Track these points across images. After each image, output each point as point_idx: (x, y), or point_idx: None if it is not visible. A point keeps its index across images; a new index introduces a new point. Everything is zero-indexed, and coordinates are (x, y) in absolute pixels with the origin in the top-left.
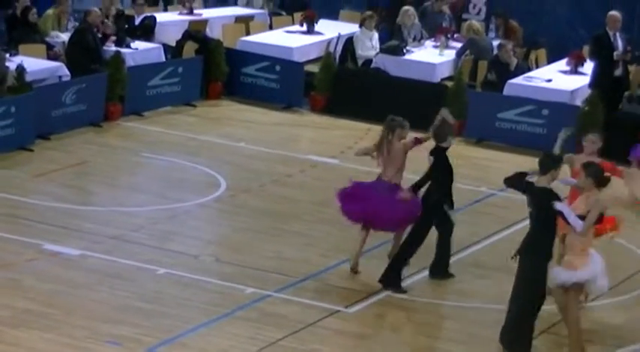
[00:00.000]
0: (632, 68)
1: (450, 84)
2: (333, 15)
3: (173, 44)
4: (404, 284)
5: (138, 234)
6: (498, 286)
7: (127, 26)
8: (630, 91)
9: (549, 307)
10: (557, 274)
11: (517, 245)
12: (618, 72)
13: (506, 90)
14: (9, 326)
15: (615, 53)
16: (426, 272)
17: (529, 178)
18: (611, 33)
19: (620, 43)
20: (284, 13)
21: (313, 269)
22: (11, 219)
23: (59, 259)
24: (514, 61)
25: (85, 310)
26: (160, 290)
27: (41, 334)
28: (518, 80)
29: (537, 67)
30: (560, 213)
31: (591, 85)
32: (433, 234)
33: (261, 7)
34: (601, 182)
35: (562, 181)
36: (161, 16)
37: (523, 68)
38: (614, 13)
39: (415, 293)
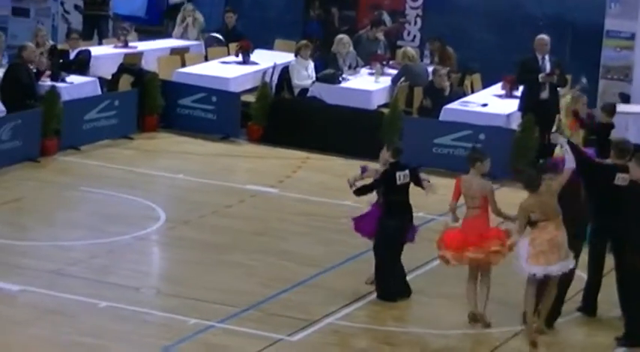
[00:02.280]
0: (563, 91)
1: (386, 111)
2: (268, 45)
3: (109, 77)
4: (346, 310)
5: (77, 268)
6: (437, 311)
7: (61, 60)
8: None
9: (491, 330)
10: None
11: (457, 270)
12: (544, 94)
13: (443, 116)
14: None
15: (540, 75)
16: (368, 299)
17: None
18: (539, 56)
19: (547, 66)
20: (221, 37)
21: (255, 299)
22: None
23: None
24: (448, 87)
25: (26, 347)
26: (101, 324)
27: None
28: (454, 105)
29: (472, 92)
30: None
31: (520, 108)
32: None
33: (196, 39)
34: (529, 186)
35: None
36: (96, 50)
37: (458, 93)
38: (542, 36)
39: (358, 321)
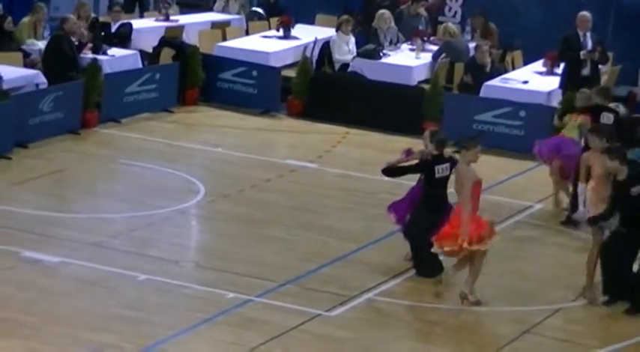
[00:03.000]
0: (605, 68)
1: (426, 87)
2: (310, 19)
3: (150, 51)
4: (385, 286)
5: (117, 241)
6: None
7: (103, 33)
8: None
9: (529, 308)
10: None
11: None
12: (586, 71)
13: (483, 92)
14: None
15: (581, 52)
16: (407, 275)
17: None
18: (581, 33)
19: (589, 43)
20: (262, 11)
21: (293, 274)
22: None
23: (38, 267)
24: (489, 63)
25: (65, 318)
26: (140, 296)
27: (22, 342)
28: (495, 82)
29: (514, 68)
30: None
31: (561, 85)
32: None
33: (238, 13)
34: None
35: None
36: (137, 23)
37: (499, 70)
38: (583, 13)
39: (396, 297)
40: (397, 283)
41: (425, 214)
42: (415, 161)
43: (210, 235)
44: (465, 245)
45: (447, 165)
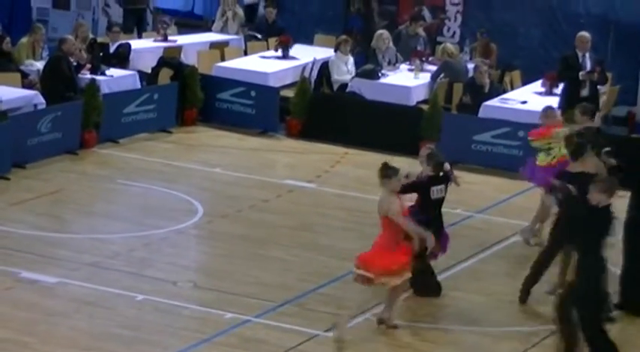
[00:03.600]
0: (605, 88)
1: (425, 107)
2: (308, 40)
3: (148, 71)
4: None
5: (115, 261)
6: (475, 308)
7: (101, 54)
8: (605, 112)
9: (528, 328)
10: None
11: (495, 267)
12: (585, 92)
13: (482, 113)
14: None
15: (581, 73)
16: (405, 295)
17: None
18: (580, 53)
19: (588, 64)
20: (259, 36)
21: (292, 294)
22: None
23: (37, 287)
24: (488, 83)
25: (64, 338)
26: (138, 316)
27: None
28: (494, 102)
29: (512, 88)
30: None
31: (560, 105)
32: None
33: (236, 33)
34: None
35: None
36: (136, 43)
37: (498, 90)
38: (583, 33)
39: (395, 317)
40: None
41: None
42: (411, 180)
43: (208, 255)
44: (371, 276)
45: (443, 186)
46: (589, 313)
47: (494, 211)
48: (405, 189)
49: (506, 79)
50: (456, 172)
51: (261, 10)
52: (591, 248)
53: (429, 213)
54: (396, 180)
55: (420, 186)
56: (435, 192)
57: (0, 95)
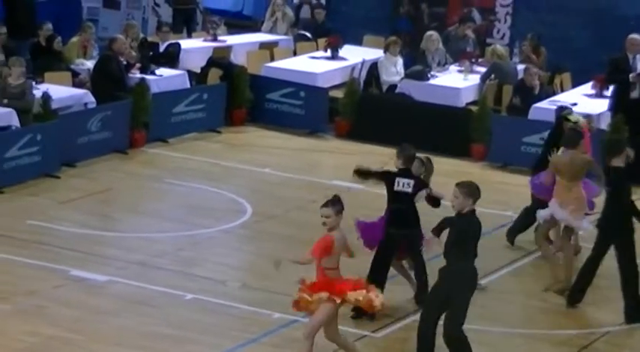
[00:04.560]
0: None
1: (474, 108)
2: (357, 40)
3: (198, 71)
4: None
5: (163, 260)
6: (523, 311)
7: (151, 53)
8: None
9: (576, 331)
10: None
11: (542, 269)
12: (635, 94)
13: (532, 115)
14: None
15: (631, 75)
16: None
17: None
18: (630, 56)
19: (638, 66)
20: (309, 35)
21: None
22: (38, 245)
23: (85, 285)
24: (538, 85)
25: (111, 337)
26: (186, 316)
27: None
28: (544, 104)
29: (562, 91)
30: None
31: (611, 108)
32: None
33: (286, 33)
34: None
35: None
36: (185, 43)
37: (548, 92)
38: (633, 36)
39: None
40: None
41: (387, 229)
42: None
43: (256, 255)
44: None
45: (411, 181)
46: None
47: None
48: (374, 175)
49: (556, 81)
50: (505, 174)
51: (304, 11)
52: (461, 254)
53: (392, 204)
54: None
55: (386, 174)
56: (401, 183)
57: (51, 94)
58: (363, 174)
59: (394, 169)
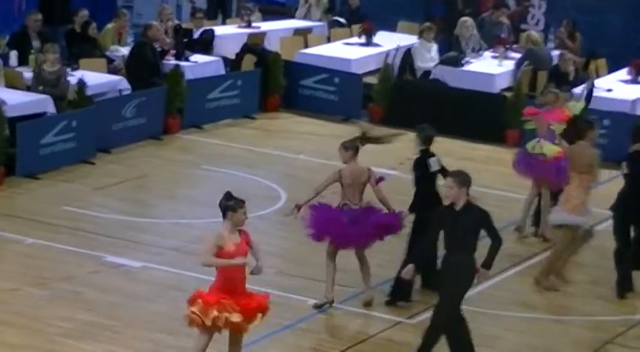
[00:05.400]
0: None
1: (509, 94)
2: (391, 26)
3: (232, 57)
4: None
5: (198, 246)
6: (560, 297)
7: (185, 40)
8: None
9: (613, 318)
10: None
11: (579, 257)
12: None
13: None
14: (72, 338)
15: None
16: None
17: None
18: None
19: None
20: (344, 20)
21: (375, 281)
22: (73, 231)
23: (120, 271)
24: (573, 71)
25: (147, 322)
26: None
27: (103, 346)
28: (578, 90)
29: (598, 76)
30: None
31: None
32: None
33: (320, 20)
34: None
35: None
36: (220, 30)
37: (583, 78)
38: None
39: (477, 305)
40: (479, 291)
41: (423, 214)
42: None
43: (291, 242)
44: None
45: (436, 158)
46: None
47: None
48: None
49: (592, 66)
50: None
51: None
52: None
53: (428, 186)
54: (242, 213)
55: (419, 162)
56: (432, 163)
57: (86, 80)
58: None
59: (415, 156)
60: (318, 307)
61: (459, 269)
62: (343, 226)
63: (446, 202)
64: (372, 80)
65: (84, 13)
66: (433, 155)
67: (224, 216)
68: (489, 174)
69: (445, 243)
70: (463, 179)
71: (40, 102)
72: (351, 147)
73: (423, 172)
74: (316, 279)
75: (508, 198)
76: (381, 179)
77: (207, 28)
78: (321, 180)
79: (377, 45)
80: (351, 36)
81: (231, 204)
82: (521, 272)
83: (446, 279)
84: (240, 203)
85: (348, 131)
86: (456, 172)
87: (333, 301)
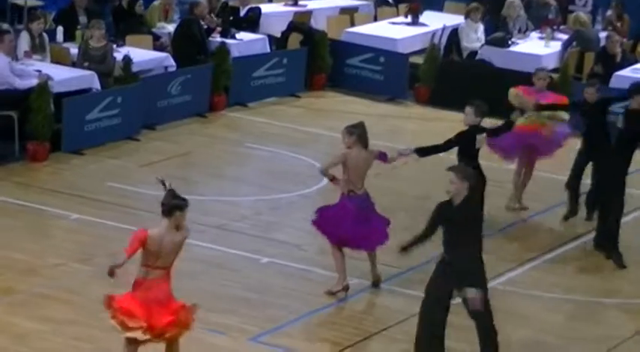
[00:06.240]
0: None
1: (555, 76)
2: (438, 6)
3: (278, 35)
4: (510, 274)
5: (241, 224)
6: (601, 281)
7: (232, 18)
8: None
9: None
10: None
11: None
12: None
13: (613, 83)
14: None
15: None
16: (533, 264)
17: None
18: None
19: None
20: (390, 0)
21: (418, 261)
22: (119, 207)
23: None
24: (620, 53)
25: (190, 299)
26: (264, 279)
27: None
28: (626, 72)
29: None
30: None
31: None
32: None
33: None
34: None
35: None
36: (266, 8)
37: (630, 60)
38: None
39: (521, 287)
40: (522, 272)
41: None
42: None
43: None
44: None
45: (484, 135)
46: None
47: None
48: (446, 147)
49: (639, 49)
50: None
51: None
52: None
53: (474, 161)
54: (182, 215)
55: (465, 136)
56: (479, 141)
57: (132, 57)
58: (430, 151)
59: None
60: (332, 294)
61: (466, 265)
62: (345, 227)
63: (448, 196)
64: (418, 60)
65: None
66: (483, 131)
67: (169, 214)
68: None
69: (444, 239)
70: (465, 174)
71: (86, 78)
72: (356, 132)
73: (469, 147)
74: (358, 258)
75: (552, 180)
76: (384, 154)
77: (254, 5)
78: None
79: (423, 24)
80: (398, 15)
81: (181, 204)
82: (563, 254)
83: (461, 277)
84: (186, 203)
85: (394, 111)
86: (457, 167)
87: (348, 287)
